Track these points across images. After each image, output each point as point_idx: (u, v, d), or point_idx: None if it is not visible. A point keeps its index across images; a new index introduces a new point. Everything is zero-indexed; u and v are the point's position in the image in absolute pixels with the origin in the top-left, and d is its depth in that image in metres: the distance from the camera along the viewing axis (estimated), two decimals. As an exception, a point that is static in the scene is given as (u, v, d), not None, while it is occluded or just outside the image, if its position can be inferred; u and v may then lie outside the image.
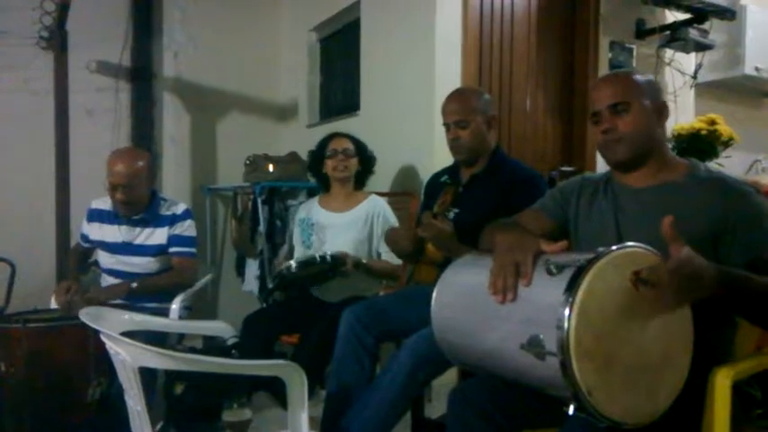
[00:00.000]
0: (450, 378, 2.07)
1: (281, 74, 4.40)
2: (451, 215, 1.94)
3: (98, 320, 1.55)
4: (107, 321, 1.62)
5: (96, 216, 2.56)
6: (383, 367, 1.97)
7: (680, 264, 1.05)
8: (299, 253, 2.64)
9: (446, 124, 2.15)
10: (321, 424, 1.97)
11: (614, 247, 1.09)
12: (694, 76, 4.04)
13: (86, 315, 1.52)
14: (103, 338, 1.45)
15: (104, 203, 2.54)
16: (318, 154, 2.65)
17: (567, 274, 1.06)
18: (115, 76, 3.79)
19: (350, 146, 2.60)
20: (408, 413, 2.09)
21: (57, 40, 3.08)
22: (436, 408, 2.44)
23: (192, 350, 1.93)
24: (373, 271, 2.46)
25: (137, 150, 2.64)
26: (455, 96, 2.21)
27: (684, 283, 1.05)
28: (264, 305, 3.27)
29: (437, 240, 1.90)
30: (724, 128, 3.19)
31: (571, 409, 1.06)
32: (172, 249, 2.46)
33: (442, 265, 1.69)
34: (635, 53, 3.78)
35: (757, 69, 4.10)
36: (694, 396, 1.22)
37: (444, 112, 2.18)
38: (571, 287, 1.03)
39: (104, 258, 2.53)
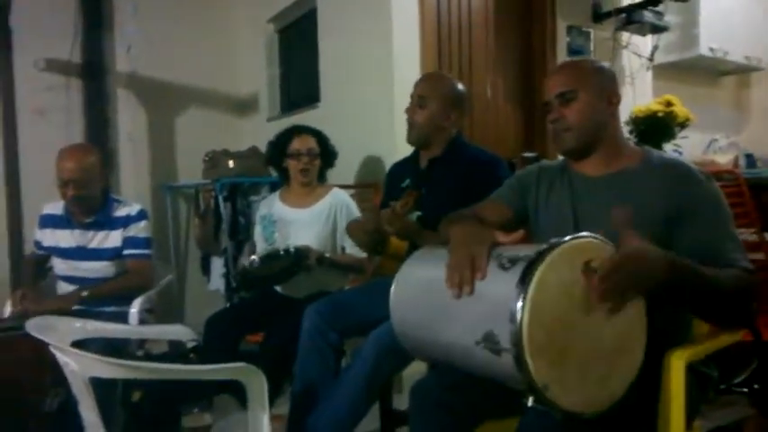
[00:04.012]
0: (418, 369, 2.06)
1: (239, 67, 4.32)
2: (414, 217, 1.91)
3: (47, 331, 1.51)
4: (57, 331, 1.57)
5: (49, 221, 2.48)
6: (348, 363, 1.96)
7: (630, 252, 1.05)
8: (262, 250, 2.59)
9: (411, 96, 2.12)
10: (287, 423, 1.95)
11: (566, 239, 1.08)
12: (651, 58, 4.08)
13: (34, 326, 1.47)
14: (52, 349, 1.41)
15: (56, 208, 2.46)
16: (280, 147, 2.58)
17: (519, 267, 1.05)
18: (66, 74, 3.66)
19: (314, 145, 2.53)
20: (377, 405, 2.08)
21: (0, 39, 2.96)
22: (406, 399, 2.43)
23: (149, 356, 1.89)
24: (338, 265, 2.43)
25: (86, 145, 2.57)
26: (429, 75, 2.22)
27: (634, 271, 1.06)
28: (228, 304, 3.22)
29: (403, 234, 1.89)
30: (680, 108, 3.23)
31: (530, 402, 1.06)
32: (126, 252, 2.39)
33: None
34: (592, 37, 3.80)
35: (712, 50, 4.15)
36: (650, 379, 1.23)
37: (415, 84, 2.15)
38: (523, 281, 1.02)
39: (59, 265, 2.46)
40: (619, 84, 1.51)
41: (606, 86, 1.44)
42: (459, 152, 2.11)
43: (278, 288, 2.50)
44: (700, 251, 1.27)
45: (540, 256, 1.04)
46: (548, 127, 1.48)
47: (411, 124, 2.10)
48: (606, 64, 1.55)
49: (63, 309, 2.19)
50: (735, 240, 1.32)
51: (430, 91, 2.07)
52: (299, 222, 2.51)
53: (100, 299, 2.30)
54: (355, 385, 1.85)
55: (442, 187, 1.98)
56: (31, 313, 2.11)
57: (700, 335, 1.44)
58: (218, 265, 3.57)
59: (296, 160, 2.51)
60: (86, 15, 3.72)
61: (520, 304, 1.01)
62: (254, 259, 2.19)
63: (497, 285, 1.09)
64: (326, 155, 2.60)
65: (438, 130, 2.08)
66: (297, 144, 2.52)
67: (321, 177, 2.63)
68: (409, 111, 2.11)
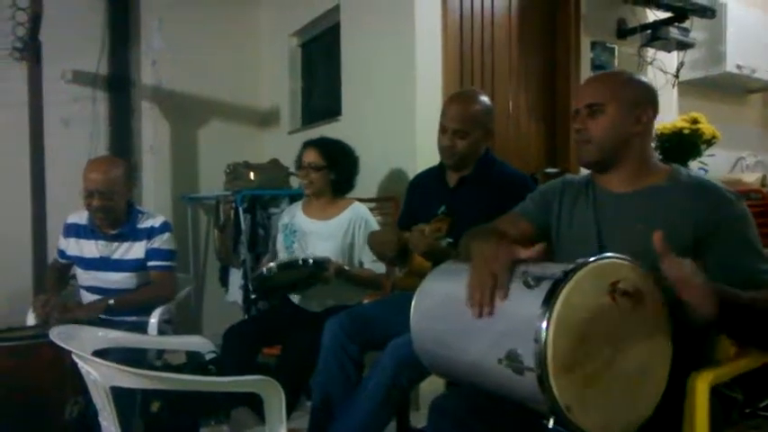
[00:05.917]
0: (437, 386, 2.04)
1: (261, 79, 4.35)
2: (444, 243, 1.85)
3: (70, 339, 1.52)
4: (79, 340, 1.58)
5: (73, 231, 2.50)
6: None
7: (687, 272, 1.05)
8: (281, 257, 2.58)
9: (443, 126, 2.06)
10: (307, 436, 1.94)
11: (592, 259, 1.07)
12: (676, 75, 4.04)
13: (58, 334, 1.48)
14: (75, 358, 1.42)
15: (81, 218, 2.49)
16: (298, 160, 2.60)
17: (545, 286, 1.04)
18: (92, 86, 3.73)
19: (315, 159, 2.48)
20: (394, 421, 2.06)
21: (30, 51, 3.03)
22: (423, 416, 2.40)
23: (169, 367, 1.89)
24: (356, 279, 2.41)
25: (114, 158, 2.60)
26: (461, 101, 2.10)
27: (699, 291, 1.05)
28: (246, 316, 3.22)
29: (429, 254, 1.87)
30: (706, 126, 3.18)
31: (551, 423, 1.04)
32: (150, 263, 2.41)
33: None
34: (617, 53, 3.77)
35: (739, 67, 4.10)
36: (674, 401, 1.20)
37: (446, 114, 2.07)
38: (548, 300, 1.01)
39: (81, 275, 2.48)
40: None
41: (639, 103, 1.41)
42: (489, 170, 2.10)
43: (295, 301, 2.49)
44: (729, 271, 1.24)
45: (566, 276, 1.02)
46: (572, 136, 1.47)
47: (451, 153, 2.06)
48: (644, 79, 1.51)
49: (90, 317, 2.21)
50: (765, 260, 1.30)
51: (467, 123, 2.03)
52: (317, 234, 2.50)
53: (124, 309, 2.32)
54: (374, 396, 1.83)
55: (472, 209, 1.94)
56: (56, 321, 2.14)
57: (724, 357, 1.41)
58: (236, 276, 3.57)
59: (300, 172, 2.54)
60: (113, 29, 3.79)
61: (545, 323, 0.99)
62: (271, 266, 2.18)
63: (522, 303, 1.08)
64: (335, 167, 2.50)
65: (476, 153, 2.09)
66: (303, 157, 2.54)
67: (339, 190, 2.56)
68: (446, 142, 2.05)
